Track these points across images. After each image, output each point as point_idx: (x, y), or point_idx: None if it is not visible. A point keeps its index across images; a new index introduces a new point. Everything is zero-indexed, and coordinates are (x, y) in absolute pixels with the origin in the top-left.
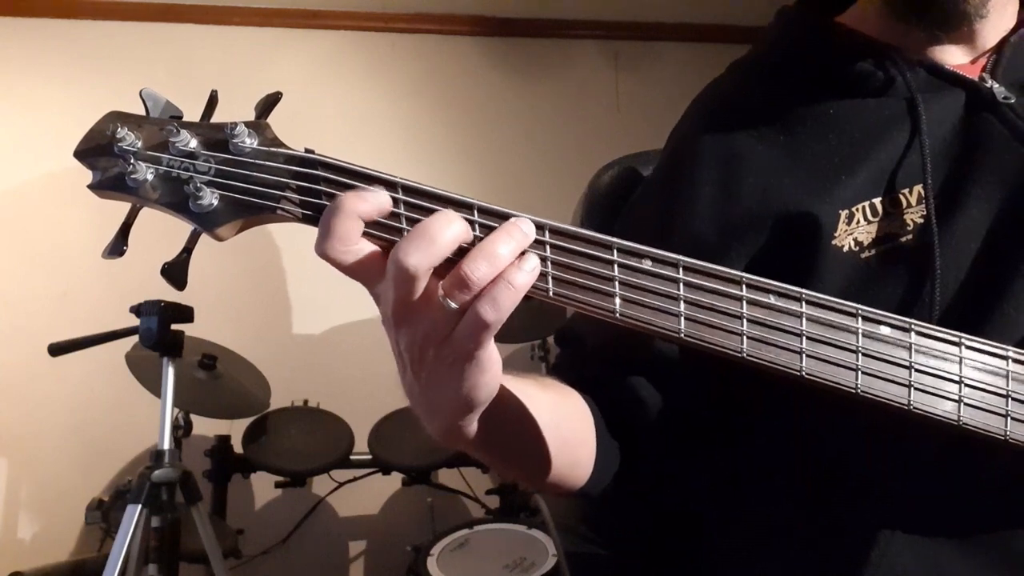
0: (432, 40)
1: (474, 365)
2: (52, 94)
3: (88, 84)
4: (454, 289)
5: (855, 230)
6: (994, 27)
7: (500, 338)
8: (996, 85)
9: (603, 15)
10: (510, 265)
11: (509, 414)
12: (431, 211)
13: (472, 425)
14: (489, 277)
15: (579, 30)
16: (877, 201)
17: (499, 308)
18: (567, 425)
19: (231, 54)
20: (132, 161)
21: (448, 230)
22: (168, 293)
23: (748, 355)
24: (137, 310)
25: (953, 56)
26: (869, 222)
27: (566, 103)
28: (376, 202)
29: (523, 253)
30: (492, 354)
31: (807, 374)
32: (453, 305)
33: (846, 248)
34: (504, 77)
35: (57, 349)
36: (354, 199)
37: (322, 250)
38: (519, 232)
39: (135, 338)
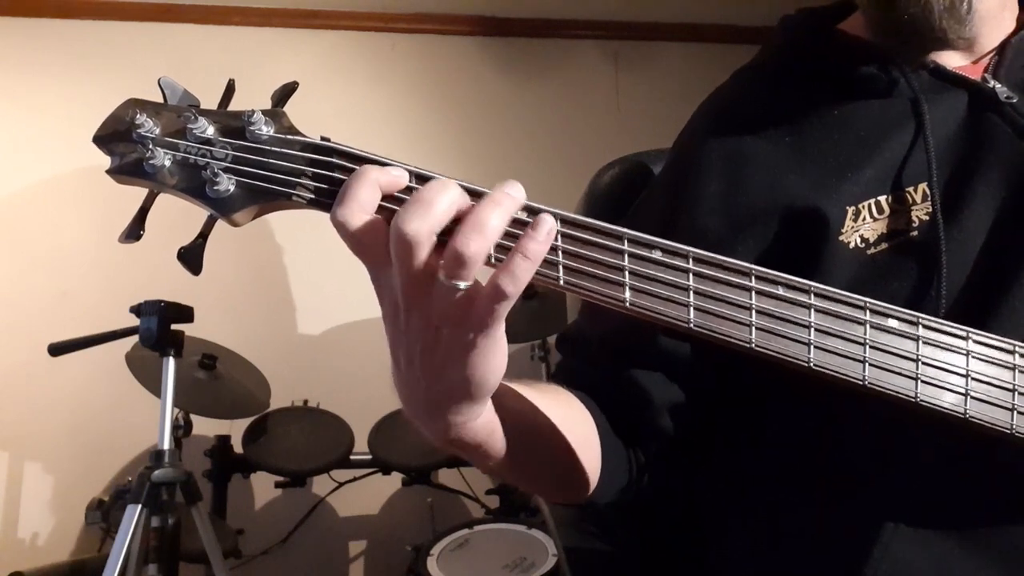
0: (432, 40)
1: (491, 342)
2: (52, 94)
3: (88, 84)
4: (451, 267)
5: (861, 227)
6: (993, 31)
7: None
8: (998, 85)
9: (603, 15)
10: (523, 236)
11: (512, 415)
12: None
13: (475, 421)
14: (484, 249)
15: (579, 30)
16: (883, 199)
17: (517, 280)
18: (571, 430)
19: (231, 54)
20: (150, 147)
21: (444, 195)
22: (167, 293)
23: (757, 346)
24: (137, 310)
25: (954, 59)
26: (875, 219)
27: (566, 103)
28: (395, 175)
29: (536, 214)
30: (504, 334)
31: (815, 365)
32: (456, 284)
33: (852, 244)
34: (504, 77)
35: (57, 349)
36: (375, 169)
37: (339, 215)
38: (506, 197)
39: (135, 338)
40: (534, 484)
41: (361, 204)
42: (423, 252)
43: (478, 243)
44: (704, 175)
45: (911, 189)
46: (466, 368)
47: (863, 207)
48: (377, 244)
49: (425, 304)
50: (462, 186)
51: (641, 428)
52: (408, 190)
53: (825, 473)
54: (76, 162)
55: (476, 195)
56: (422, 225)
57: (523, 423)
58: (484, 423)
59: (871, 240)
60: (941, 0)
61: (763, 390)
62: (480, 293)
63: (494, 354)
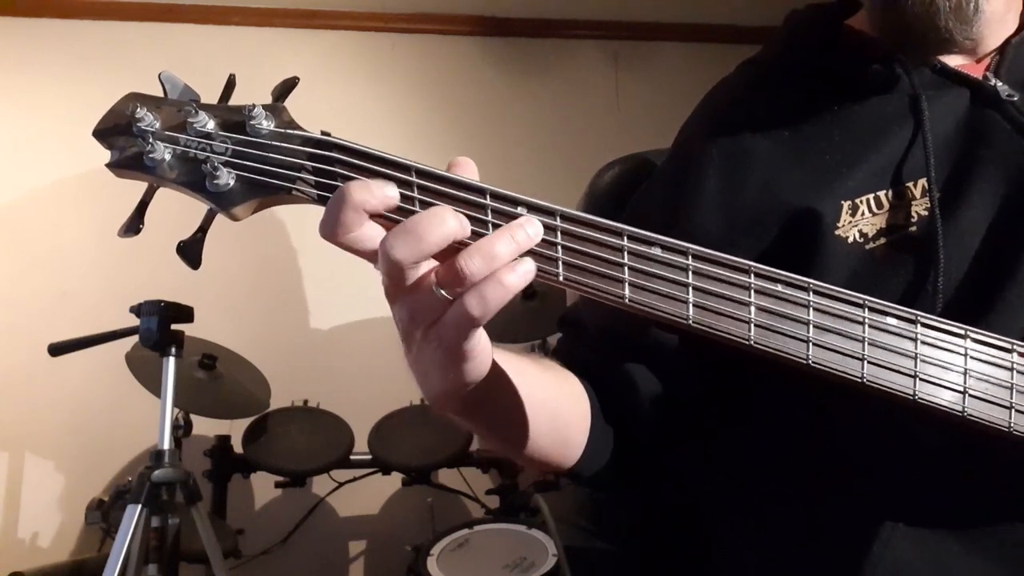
0: (432, 40)
1: (459, 353)
2: (52, 94)
3: (88, 84)
4: (447, 279)
5: (859, 222)
6: (997, 31)
7: (500, 338)
8: (1000, 84)
9: (603, 15)
10: (504, 264)
11: (500, 388)
12: (444, 195)
13: (464, 393)
14: (483, 273)
15: (579, 30)
16: (882, 194)
17: (486, 304)
18: (560, 405)
19: (231, 54)
20: (151, 141)
21: (437, 230)
22: (168, 293)
23: (755, 343)
24: (137, 310)
25: (957, 58)
26: (874, 214)
27: (566, 103)
28: (381, 197)
29: (537, 211)
30: (478, 343)
31: (813, 362)
32: (444, 294)
33: (851, 239)
34: (504, 77)
35: (57, 349)
36: (361, 191)
37: (324, 234)
38: (523, 234)
39: (135, 338)
40: (514, 450)
41: (343, 226)
42: (408, 274)
43: (479, 266)
44: (704, 171)
45: (911, 184)
46: (437, 367)
47: (861, 202)
48: (368, 251)
49: (402, 306)
50: (491, 192)
51: (628, 416)
52: (411, 186)
53: (824, 471)
54: (76, 162)
55: (498, 196)
56: (408, 255)
57: (511, 393)
58: (473, 394)
59: (869, 235)
60: (947, 0)
61: (759, 387)
62: (448, 311)
63: (465, 361)
